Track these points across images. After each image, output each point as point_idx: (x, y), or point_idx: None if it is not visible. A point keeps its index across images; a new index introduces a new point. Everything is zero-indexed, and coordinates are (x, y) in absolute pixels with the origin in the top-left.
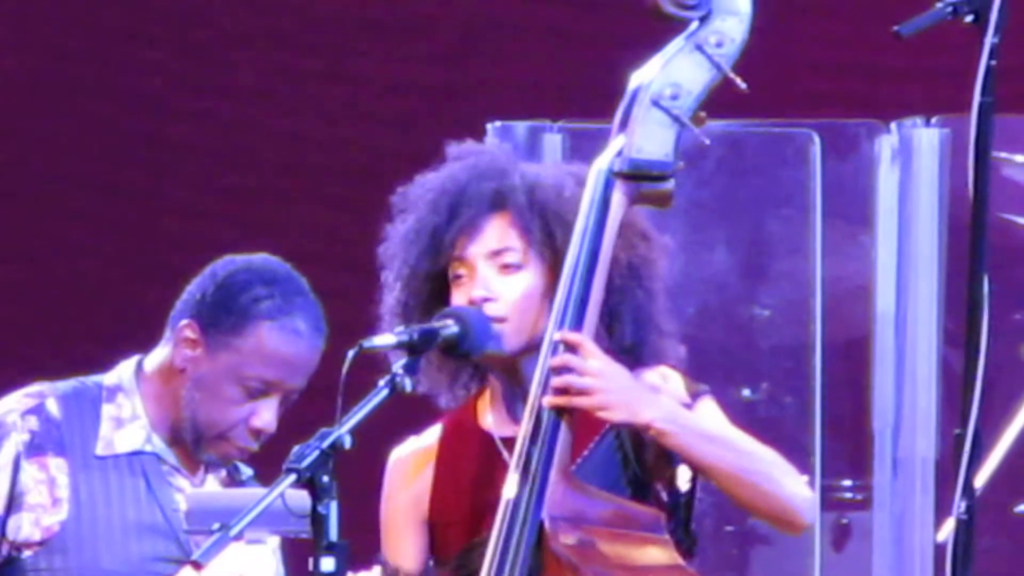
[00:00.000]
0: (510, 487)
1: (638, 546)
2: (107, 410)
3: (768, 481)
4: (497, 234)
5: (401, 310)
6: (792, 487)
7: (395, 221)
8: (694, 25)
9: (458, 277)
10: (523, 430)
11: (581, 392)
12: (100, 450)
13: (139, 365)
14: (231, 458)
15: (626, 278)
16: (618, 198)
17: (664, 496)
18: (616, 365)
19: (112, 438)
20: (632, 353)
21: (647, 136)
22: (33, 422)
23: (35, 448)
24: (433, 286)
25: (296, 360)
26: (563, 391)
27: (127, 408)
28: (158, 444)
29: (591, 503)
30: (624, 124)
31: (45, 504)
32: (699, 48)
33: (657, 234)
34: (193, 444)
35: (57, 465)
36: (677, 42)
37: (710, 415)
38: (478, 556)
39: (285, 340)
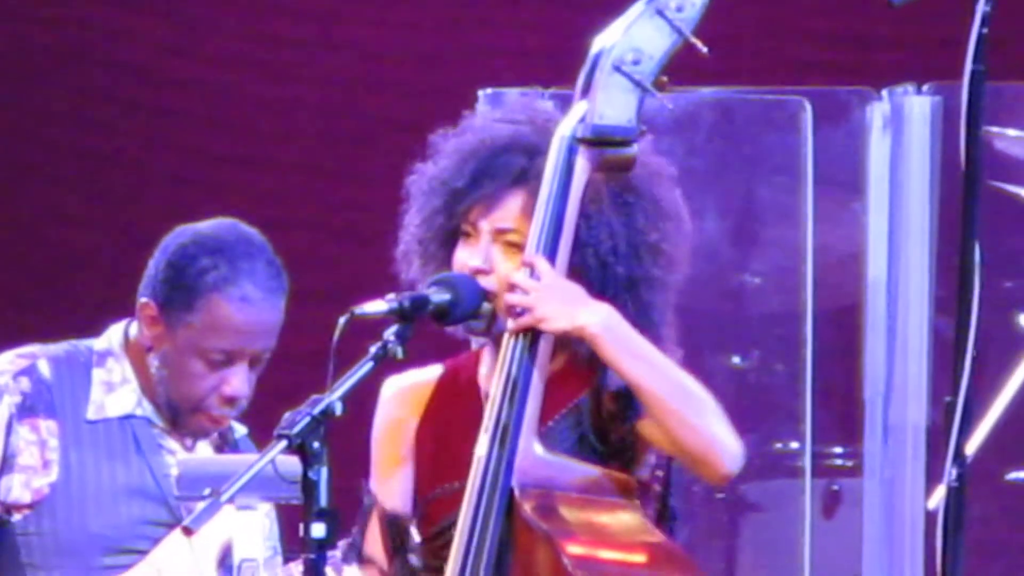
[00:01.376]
0: (481, 445)
1: (608, 511)
2: (98, 374)
3: (695, 415)
4: (509, 213)
5: (420, 238)
6: (719, 430)
7: (428, 160)
8: None
9: (466, 235)
10: (493, 398)
11: (525, 309)
12: (91, 414)
13: (127, 330)
14: (209, 430)
15: (621, 291)
16: (581, 164)
17: (626, 469)
18: (563, 280)
19: (103, 402)
20: None
21: (609, 102)
22: (25, 383)
23: (27, 410)
24: (447, 232)
25: (251, 326)
26: (515, 313)
27: (117, 372)
28: (148, 407)
29: (560, 469)
30: (586, 90)
31: (35, 466)
32: (660, 13)
33: (678, 246)
34: (171, 420)
35: (48, 427)
36: (638, 6)
37: None
38: (443, 504)
39: (236, 309)
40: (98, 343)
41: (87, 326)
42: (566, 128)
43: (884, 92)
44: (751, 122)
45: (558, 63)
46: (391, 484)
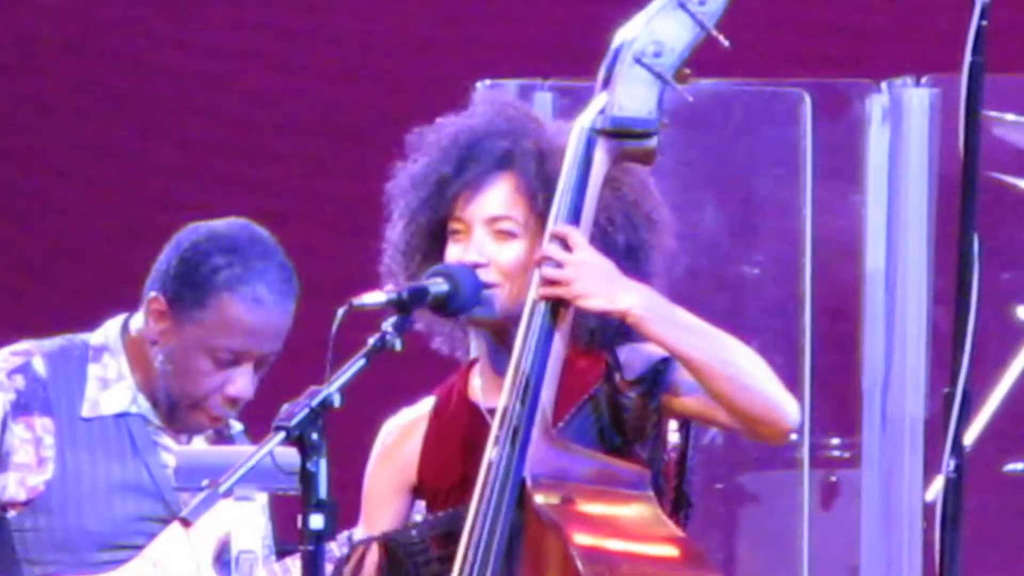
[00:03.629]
0: (492, 446)
1: (621, 503)
2: (93, 370)
3: (748, 376)
4: (499, 198)
5: (404, 248)
6: (774, 388)
7: (408, 159)
8: None
9: (455, 232)
10: (506, 389)
11: (561, 282)
12: (86, 411)
13: (125, 325)
14: (206, 428)
15: (622, 260)
16: (600, 156)
17: (646, 457)
18: (599, 256)
19: (98, 399)
20: (620, 331)
21: (630, 94)
22: (20, 381)
23: (22, 408)
24: (434, 232)
25: (261, 328)
26: (547, 283)
27: (113, 368)
28: (144, 404)
29: (573, 460)
30: (607, 82)
31: (31, 464)
32: (682, 6)
33: (663, 213)
34: (168, 414)
35: (43, 425)
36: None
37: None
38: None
39: (247, 309)
40: (94, 337)
41: (82, 318)
42: (586, 120)
43: (883, 84)
44: (750, 114)
45: (556, 55)
46: (382, 515)
